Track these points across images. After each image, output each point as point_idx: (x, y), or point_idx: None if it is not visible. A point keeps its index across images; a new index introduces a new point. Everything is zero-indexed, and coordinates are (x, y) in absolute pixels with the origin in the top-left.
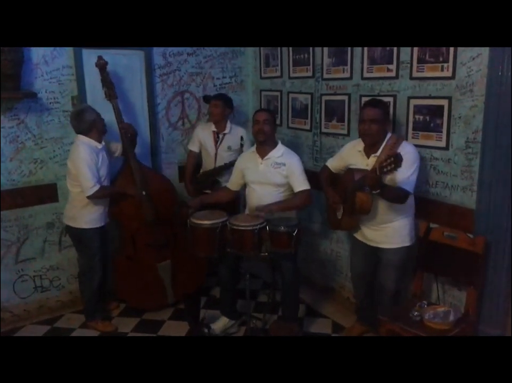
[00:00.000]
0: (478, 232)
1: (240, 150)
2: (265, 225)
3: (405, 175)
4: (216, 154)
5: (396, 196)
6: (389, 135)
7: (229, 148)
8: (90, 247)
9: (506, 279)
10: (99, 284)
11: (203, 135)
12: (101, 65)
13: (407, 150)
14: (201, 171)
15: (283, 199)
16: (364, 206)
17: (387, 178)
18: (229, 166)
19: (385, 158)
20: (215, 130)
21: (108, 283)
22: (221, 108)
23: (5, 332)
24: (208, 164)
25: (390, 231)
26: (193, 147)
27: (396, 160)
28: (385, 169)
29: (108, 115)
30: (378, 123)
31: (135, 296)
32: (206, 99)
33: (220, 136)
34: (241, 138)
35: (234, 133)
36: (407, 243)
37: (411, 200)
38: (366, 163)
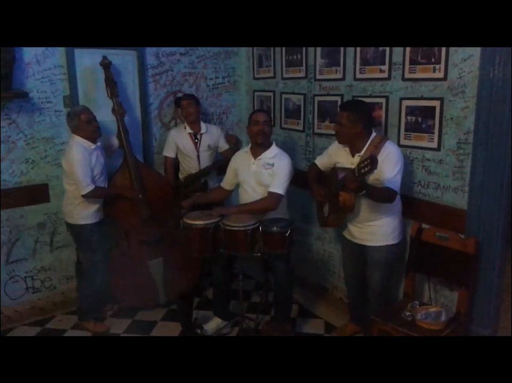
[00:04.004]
0: (469, 233)
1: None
2: (258, 225)
3: (390, 174)
4: (198, 156)
5: (382, 195)
6: (374, 135)
7: (209, 147)
8: (90, 241)
9: (497, 279)
10: (100, 283)
11: (180, 139)
12: (106, 65)
13: (390, 150)
14: (180, 175)
15: (247, 202)
16: (347, 205)
17: (371, 179)
18: (215, 166)
19: (362, 160)
20: (191, 131)
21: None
22: (194, 106)
23: None
24: (190, 167)
25: (374, 229)
26: (170, 153)
27: (371, 162)
28: (362, 171)
29: (101, 115)
30: (344, 125)
31: (127, 293)
32: (177, 101)
33: (198, 137)
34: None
35: (211, 132)
36: (391, 242)
37: (396, 199)
38: (351, 162)
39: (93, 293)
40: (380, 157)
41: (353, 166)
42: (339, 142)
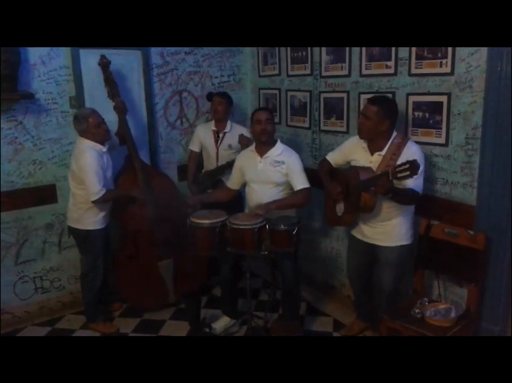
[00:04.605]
0: (478, 229)
1: None
2: (265, 224)
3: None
4: (217, 153)
5: (408, 197)
6: (395, 134)
7: (230, 146)
8: (95, 247)
9: (507, 275)
10: (101, 285)
11: (204, 134)
12: (104, 64)
13: (413, 151)
14: (203, 171)
15: (283, 198)
16: (367, 206)
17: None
18: (231, 165)
19: (399, 164)
20: (215, 129)
21: (109, 283)
22: (225, 105)
23: (6, 334)
24: (210, 163)
25: (388, 228)
26: (194, 147)
27: (411, 167)
28: (399, 175)
29: (107, 115)
30: (371, 120)
31: (137, 295)
32: (209, 96)
33: (220, 135)
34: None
35: (235, 132)
36: (404, 242)
37: None
38: (370, 160)
39: (95, 296)
40: (402, 158)
41: (371, 165)
42: (361, 137)
